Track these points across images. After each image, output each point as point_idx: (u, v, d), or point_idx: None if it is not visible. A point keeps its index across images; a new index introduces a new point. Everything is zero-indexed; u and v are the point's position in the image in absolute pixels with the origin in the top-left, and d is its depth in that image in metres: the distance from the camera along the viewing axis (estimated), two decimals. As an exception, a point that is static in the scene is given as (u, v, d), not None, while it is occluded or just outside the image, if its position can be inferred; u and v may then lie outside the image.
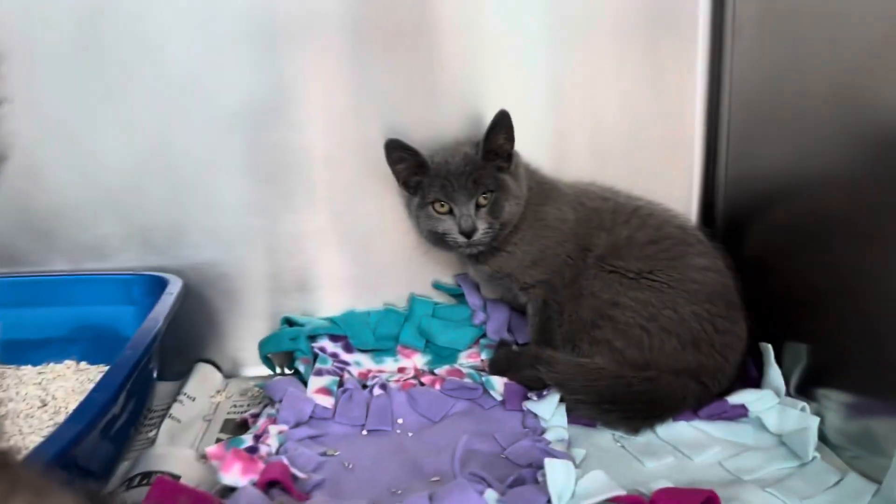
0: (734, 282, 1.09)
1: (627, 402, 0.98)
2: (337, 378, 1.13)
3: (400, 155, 1.07)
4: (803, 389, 1.01)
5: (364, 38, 1.15)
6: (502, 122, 1.05)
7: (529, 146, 1.14)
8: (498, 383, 1.09)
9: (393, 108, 1.17)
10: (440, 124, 1.18)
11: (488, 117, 1.08)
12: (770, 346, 1.05)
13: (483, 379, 1.11)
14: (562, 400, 1.00)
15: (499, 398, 1.08)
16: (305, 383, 1.10)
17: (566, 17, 1.18)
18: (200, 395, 1.17)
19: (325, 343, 1.20)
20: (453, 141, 1.14)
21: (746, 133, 1.18)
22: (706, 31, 1.20)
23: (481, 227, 1.06)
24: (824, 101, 0.94)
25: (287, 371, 1.21)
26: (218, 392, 1.20)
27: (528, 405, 1.03)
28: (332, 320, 1.22)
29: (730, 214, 1.23)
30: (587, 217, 1.13)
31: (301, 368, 1.15)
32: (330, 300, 1.26)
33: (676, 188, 1.26)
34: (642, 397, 0.98)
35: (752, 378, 1.07)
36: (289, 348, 1.18)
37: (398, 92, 1.17)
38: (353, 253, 1.24)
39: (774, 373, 1.04)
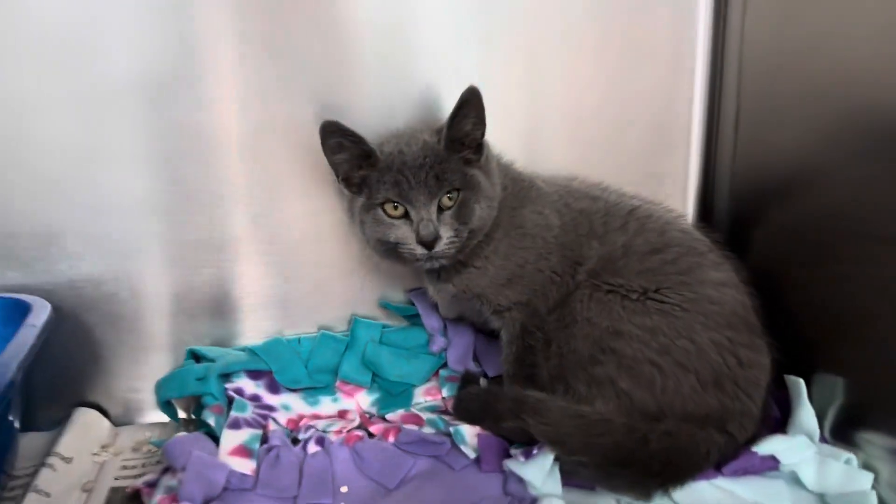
0: (751, 300, 0.91)
1: (642, 464, 0.78)
2: (259, 431, 0.91)
3: (339, 142, 0.86)
4: (842, 433, 0.86)
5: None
6: (471, 103, 0.85)
7: (497, 133, 0.94)
8: (469, 435, 0.88)
9: (329, 83, 0.97)
10: (390, 107, 0.99)
11: (450, 99, 0.88)
12: (801, 380, 0.89)
13: (451, 429, 0.88)
14: (556, 459, 0.81)
15: (472, 455, 0.87)
16: (217, 440, 0.89)
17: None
18: (80, 453, 0.95)
19: (243, 382, 0.98)
20: (407, 127, 0.93)
21: (757, 118, 1.00)
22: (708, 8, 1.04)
23: (445, 234, 0.85)
24: (852, 85, 0.81)
25: (195, 418, 0.99)
26: (103, 448, 0.98)
27: (511, 466, 0.83)
28: (251, 351, 1.02)
29: (734, 214, 1.06)
30: (574, 222, 0.94)
31: (211, 420, 0.91)
32: (249, 326, 1.05)
33: (669, 184, 1.10)
34: (660, 457, 0.79)
35: (775, 420, 0.90)
36: (195, 392, 0.96)
37: (336, 63, 0.97)
38: (278, 265, 1.04)
39: (806, 414, 0.87)
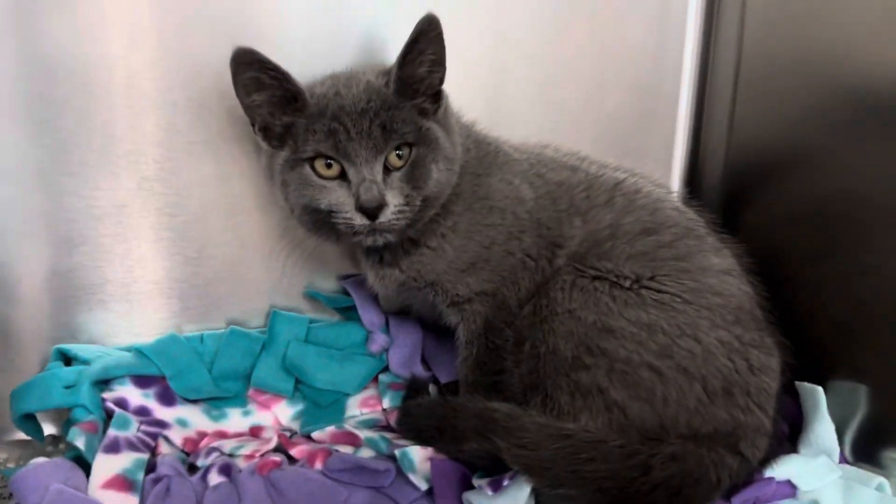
0: (755, 292, 0.78)
1: (643, 497, 0.62)
2: (145, 456, 0.72)
3: (257, 77, 0.69)
4: (865, 452, 0.75)
5: None
6: (428, 36, 0.70)
7: (455, 87, 0.78)
8: (420, 459, 0.70)
9: (244, 12, 0.80)
10: (323, 47, 0.82)
11: (398, 41, 0.71)
12: (819, 388, 0.76)
13: (396, 452, 0.70)
14: (533, 492, 0.64)
15: (423, 486, 0.69)
16: (88, 468, 0.70)
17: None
18: None
19: (127, 391, 0.80)
20: (346, 69, 0.76)
21: (757, 86, 0.89)
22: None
23: (393, 201, 0.70)
24: (867, 54, 0.73)
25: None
26: None
27: (473, 501, 0.66)
28: (139, 352, 0.82)
29: (728, 196, 0.95)
30: (551, 195, 0.79)
31: (80, 441, 0.71)
32: (138, 319, 0.86)
33: (653, 154, 0.97)
34: (665, 487, 0.63)
35: (781, 432, 0.76)
36: (63, 403, 0.77)
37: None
38: (175, 243, 0.85)
39: (825, 429, 0.74)
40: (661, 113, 0.94)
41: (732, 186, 0.92)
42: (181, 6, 0.77)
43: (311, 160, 0.69)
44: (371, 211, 0.68)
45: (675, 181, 0.96)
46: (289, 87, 0.69)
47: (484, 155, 0.79)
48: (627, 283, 0.72)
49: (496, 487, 0.64)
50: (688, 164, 0.96)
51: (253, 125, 0.72)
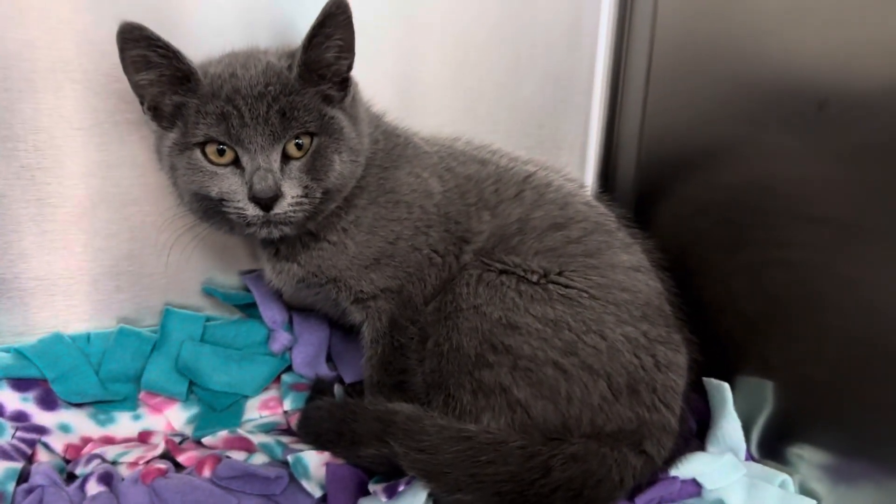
0: (665, 288, 0.76)
1: (543, 499, 0.60)
2: (18, 465, 0.67)
3: (144, 55, 0.64)
4: (771, 448, 0.74)
5: None
6: (336, 20, 0.65)
7: (364, 74, 0.73)
8: (314, 465, 0.67)
9: None
10: (221, 30, 0.76)
11: (290, 20, 0.73)
12: (725, 384, 0.74)
13: (289, 457, 0.66)
14: (430, 496, 0.61)
15: (317, 493, 0.66)
16: None
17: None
18: None
19: (3, 395, 0.73)
20: (247, 47, 0.71)
21: (672, 75, 0.88)
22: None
23: (290, 192, 0.65)
24: (778, 43, 0.72)
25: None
26: None
27: None
28: (18, 352, 0.76)
29: (640, 186, 0.93)
30: (460, 189, 0.76)
31: None
32: (19, 318, 0.79)
33: (567, 145, 0.95)
34: (566, 489, 0.61)
35: (689, 429, 0.76)
36: None
37: None
38: (59, 236, 0.78)
39: (731, 426, 0.74)
40: (576, 102, 0.92)
41: (645, 178, 0.91)
42: None
43: (202, 145, 0.65)
44: (265, 201, 0.63)
45: (590, 172, 0.94)
46: (179, 66, 0.64)
47: (392, 147, 0.75)
48: (535, 278, 0.69)
49: (391, 493, 0.61)
50: (602, 155, 0.94)
51: (142, 104, 0.67)
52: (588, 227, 0.75)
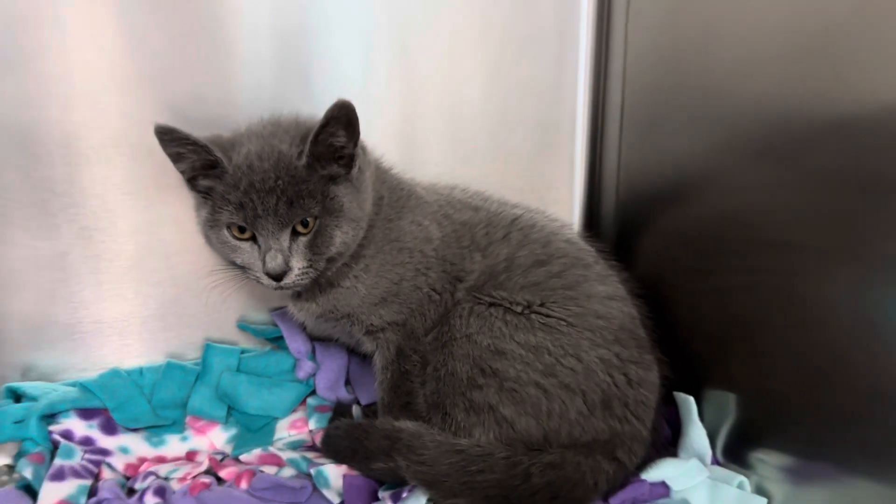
0: (639, 313, 0.85)
1: (524, 500, 0.70)
2: (87, 482, 0.78)
3: (178, 151, 0.75)
4: (734, 453, 0.81)
5: None
6: (339, 121, 0.74)
7: (369, 129, 0.82)
8: (334, 477, 0.78)
9: (172, 74, 0.86)
10: (240, 92, 0.88)
11: (306, 84, 0.84)
12: (691, 398, 0.83)
13: (312, 470, 0.77)
14: (430, 501, 0.72)
15: (335, 501, 0.76)
16: (36, 495, 0.75)
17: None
18: None
19: (72, 423, 0.85)
20: (272, 119, 0.81)
21: (642, 117, 0.96)
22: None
23: (297, 265, 0.76)
24: (741, 84, 0.78)
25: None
26: None
27: None
28: (83, 386, 0.87)
29: (621, 221, 1.01)
30: (456, 234, 0.86)
31: (27, 471, 0.77)
32: (82, 357, 0.91)
33: (555, 186, 1.04)
34: (545, 492, 0.71)
35: (665, 438, 0.85)
36: (13, 437, 0.82)
37: (181, 53, 0.85)
38: (115, 285, 0.90)
39: (697, 434, 0.82)
40: (561, 149, 1.01)
41: (623, 215, 0.99)
42: (112, 73, 0.83)
43: (228, 225, 0.75)
44: (275, 276, 0.74)
45: (577, 211, 1.03)
46: (207, 157, 0.74)
47: (397, 199, 0.85)
48: (519, 309, 0.79)
49: (396, 499, 0.72)
50: (586, 196, 1.03)
51: (183, 178, 0.78)
52: (568, 262, 0.84)
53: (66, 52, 0.82)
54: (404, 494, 0.71)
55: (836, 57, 0.65)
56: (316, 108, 0.76)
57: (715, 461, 0.81)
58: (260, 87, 0.87)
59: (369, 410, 0.90)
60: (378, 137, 0.88)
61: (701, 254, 0.88)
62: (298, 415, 0.90)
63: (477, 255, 0.84)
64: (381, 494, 0.74)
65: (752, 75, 0.77)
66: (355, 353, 0.95)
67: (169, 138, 0.73)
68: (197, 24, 0.84)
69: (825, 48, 0.66)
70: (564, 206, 1.01)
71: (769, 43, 0.73)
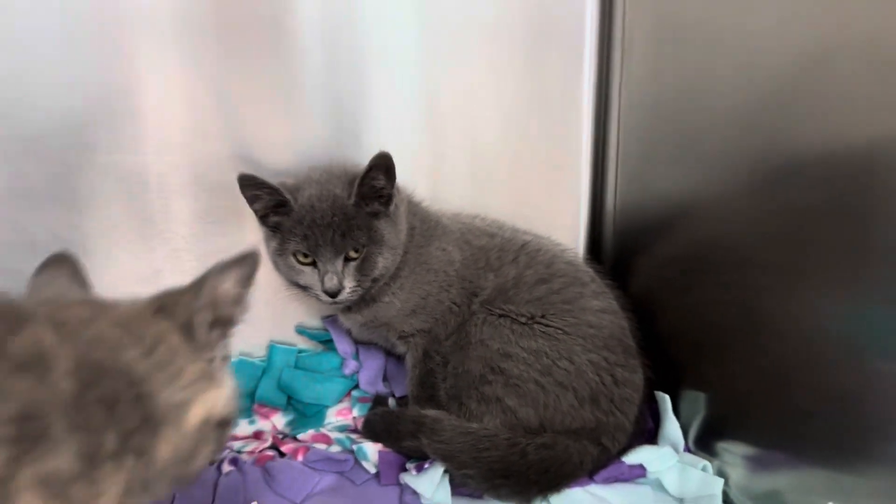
0: (629, 324, 1.01)
1: (521, 474, 0.87)
2: None
3: (255, 194, 0.92)
4: (704, 443, 0.94)
5: (209, 36, 1.00)
6: (380, 168, 0.92)
7: (404, 170, 0.98)
8: (371, 452, 0.95)
9: (245, 121, 1.04)
10: (301, 142, 1.05)
11: (356, 135, 1.00)
12: (667, 396, 0.98)
13: (354, 447, 0.95)
14: (446, 472, 0.89)
15: (372, 470, 0.93)
16: None
17: (441, 27, 1.07)
18: None
19: None
20: (326, 166, 0.99)
21: (636, 156, 1.10)
22: (594, 44, 1.11)
23: (349, 285, 0.94)
24: (722, 125, 0.88)
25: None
26: None
27: (406, 479, 0.90)
28: None
29: (619, 246, 1.15)
30: (474, 257, 1.02)
31: None
32: None
33: (563, 216, 1.18)
34: (538, 467, 0.87)
35: (649, 430, 1.00)
36: None
37: (255, 109, 1.04)
38: None
39: (672, 426, 0.96)
40: (567, 184, 1.15)
41: (620, 242, 1.13)
42: (198, 124, 1.00)
43: (293, 253, 0.93)
44: (332, 293, 0.93)
45: (581, 237, 1.17)
46: (279, 198, 0.91)
47: (426, 229, 1.01)
48: (524, 320, 0.94)
49: (420, 469, 0.89)
50: (589, 224, 1.17)
51: (256, 216, 0.95)
52: (567, 281, 0.99)
53: (161, 108, 1.00)
54: (426, 466, 0.89)
55: (805, 102, 0.73)
56: (364, 156, 0.94)
57: (687, 449, 0.95)
58: (317, 137, 1.05)
59: (402, 401, 1.06)
60: (410, 176, 1.03)
61: (682, 273, 1.00)
62: (344, 404, 1.06)
63: (490, 275, 1.00)
64: (408, 466, 0.92)
65: (729, 121, 0.85)
66: (391, 355, 1.11)
67: (249, 184, 0.91)
68: (270, 86, 1.02)
69: (796, 94, 0.74)
70: (570, 232, 1.15)
71: (743, 94, 0.82)
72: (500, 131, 1.13)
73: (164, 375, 0.53)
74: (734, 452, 0.89)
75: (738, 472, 0.89)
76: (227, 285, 0.59)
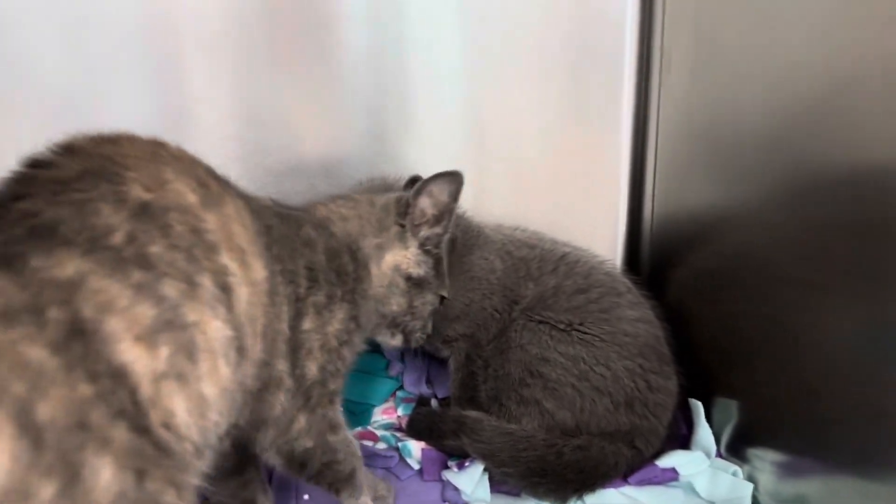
0: (664, 333, 1.04)
1: (558, 474, 0.91)
2: None
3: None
4: (735, 449, 0.97)
5: (258, 58, 1.07)
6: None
7: None
8: (415, 449, 1.00)
9: (295, 137, 1.12)
10: (346, 157, 1.12)
11: (403, 155, 1.06)
12: (700, 403, 1.01)
13: (399, 444, 1.01)
14: (485, 469, 0.94)
15: (416, 466, 0.99)
16: None
17: (486, 46, 1.13)
18: None
19: None
20: (365, 183, 1.04)
21: (673, 171, 1.14)
22: (633, 62, 1.16)
23: None
24: (755, 142, 0.90)
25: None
26: None
27: (447, 476, 0.95)
28: None
29: (655, 258, 1.20)
30: (515, 267, 1.06)
31: None
32: None
33: (601, 228, 1.23)
34: (574, 467, 0.91)
35: (682, 436, 1.04)
36: None
37: (301, 120, 1.11)
38: None
39: (704, 432, 1.00)
40: (605, 198, 1.20)
41: (656, 256, 1.17)
42: (252, 140, 1.10)
43: None
44: None
45: (619, 249, 1.21)
46: None
47: (468, 238, 1.05)
48: (562, 327, 0.98)
49: (461, 466, 0.94)
50: (628, 237, 1.21)
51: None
52: (604, 291, 1.02)
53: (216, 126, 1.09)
54: (467, 464, 0.94)
55: (832, 122, 0.76)
56: (408, 170, 1.01)
57: (719, 455, 0.98)
58: (361, 154, 1.11)
59: (444, 402, 1.11)
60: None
61: (716, 285, 1.03)
62: (390, 404, 1.12)
63: (531, 284, 1.05)
64: (449, 463, 0.97)
65: (759, 139, 0.88)
66: (434, 358, 1.16)
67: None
68: (319, 104, 1.10)
69: (823, 115, 0.77)
70: (608, 244, 1.20)
71: (773, 113, 0.86)
72: (541, 146, 1.18)
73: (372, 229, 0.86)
74: (764, 459, 0.93)
75: (767, 478, 0.92)
76: (437, 191, 0.86)
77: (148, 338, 0.52)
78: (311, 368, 0.77)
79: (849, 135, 0.74)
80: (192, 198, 0.60)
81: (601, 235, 1.21)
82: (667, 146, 1.14)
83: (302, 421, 0.76)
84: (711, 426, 1.00)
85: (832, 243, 0.77)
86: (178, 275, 0.55)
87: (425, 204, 0.87)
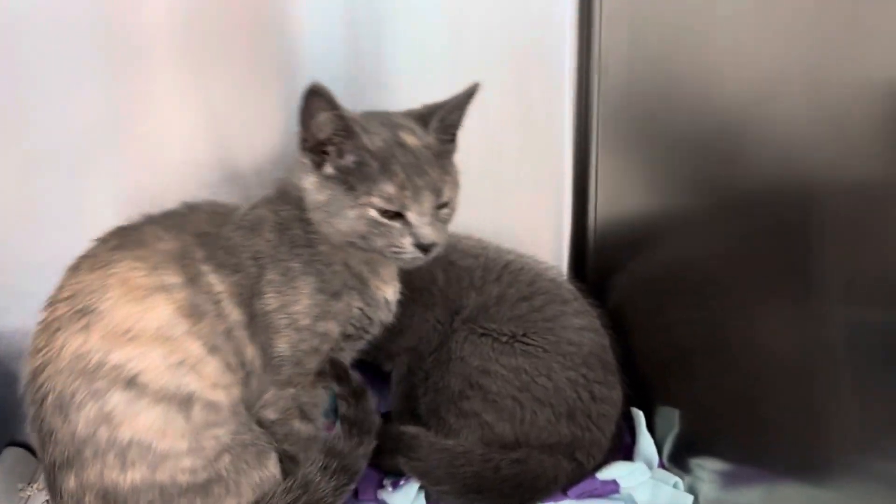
0: (609, 342, 1.03)
1: (495, 489, 0.89)
2: None
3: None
4: (677, 459, 0.97)
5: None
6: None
7: None
8: None
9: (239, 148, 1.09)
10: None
11: None
12: (641, 412, 1.00)
13: (336, 461, 0.98)
14: (421, 487, 0.92)
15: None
16: None
17: (428, 50, 1.11)
18: (6, 489, 1.01)
19: None
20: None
21: (614, 177, 1.13)
22: (573, 67, 1.15)
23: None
24: (688, 148, 0.90)
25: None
26: (28, 483, 1.04)
27: (383, 496, 0.93)
28: None
29: (598, 265, 1.18)
30: (457, 277, 1.04)
31: None
32: None
33: (546, 236, 1.21)
34: (511, 481, 0.90)
35: (626, 445, 1.02)
36: None
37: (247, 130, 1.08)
38: None
39: (646, 442, 0.99)
40: (550, 204, 1.18)
41: (600, 260, 1.16)
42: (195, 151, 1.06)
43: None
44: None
45: (565, 255, 1.21)
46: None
47: None
48: (504, 339, 0.96)
49: (395, 485, 0.92)
50: (572, 243, 1.20)
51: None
52: (548, 299, 1.01)
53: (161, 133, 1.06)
54: (402, 483, 0.92)
55: (755, 132, 0.76)
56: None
57: (661, 465, 0.97)
58: None
59: (386, 417, 1.09)
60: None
61: (656, 292, 1.02)
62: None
63: (473, 293, 1.02)
64: (384, 482, 0.94)
65: (692, 145, 0.88)
66: (378, 371, 1.13)
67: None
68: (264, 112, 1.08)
69: (747, 124, 0.77)
70: (554, 251, 1.19)
71: (703, 121, 0.86)
72: (484, 152, 1.15)
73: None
74: (706, 468, 0.92)
75: (709, 488, 0.91)
76: (305, 115, 0.80)
77: None
78: (280, 345, 0.83)
79: (773, 140, 0.73)
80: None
81: (546, 241, 1.19)
82: (607, 151, 1.13)
83: (271, 392, 0.83)
84: (654, 436, 1.00)
85: (759, 251, 0.76)
86: None
87: (306, 134, 0.81)
